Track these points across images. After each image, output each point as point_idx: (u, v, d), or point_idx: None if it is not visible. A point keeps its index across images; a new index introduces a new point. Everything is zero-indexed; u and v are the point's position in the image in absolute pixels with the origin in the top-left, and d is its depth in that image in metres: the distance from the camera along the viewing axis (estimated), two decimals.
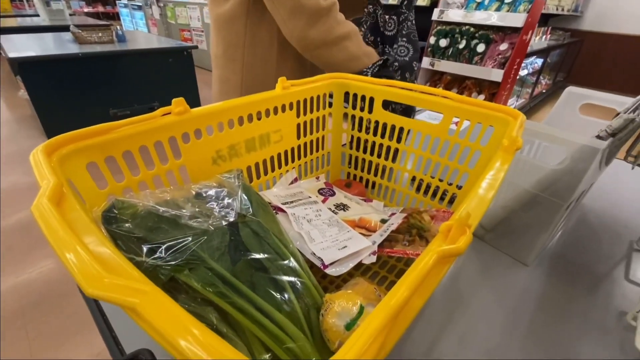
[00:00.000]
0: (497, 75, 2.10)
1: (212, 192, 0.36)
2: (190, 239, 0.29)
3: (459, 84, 2.47)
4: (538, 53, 3.07)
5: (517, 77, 2.55)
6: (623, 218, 0.62)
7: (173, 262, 0.27)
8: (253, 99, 0.45)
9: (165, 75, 2.46)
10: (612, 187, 0.70)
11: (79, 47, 2.19)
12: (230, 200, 0.35)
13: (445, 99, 0.49)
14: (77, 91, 2.16)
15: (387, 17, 0.68)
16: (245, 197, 0.36)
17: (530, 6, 1.92)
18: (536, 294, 0.46)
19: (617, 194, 0.70)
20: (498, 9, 2.02)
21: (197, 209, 0.33)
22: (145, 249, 0.27)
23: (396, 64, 0.64)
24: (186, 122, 0.37)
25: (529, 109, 3.45)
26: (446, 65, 2.31)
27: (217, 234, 0.30)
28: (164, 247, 0.28)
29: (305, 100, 0.54)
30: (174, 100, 0.36)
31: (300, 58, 0.70)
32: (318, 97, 0.56)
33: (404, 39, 0.67)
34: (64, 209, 0.20)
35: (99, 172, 0.32)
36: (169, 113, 0.37)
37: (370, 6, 0.70)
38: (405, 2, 0.65)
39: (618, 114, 0.45)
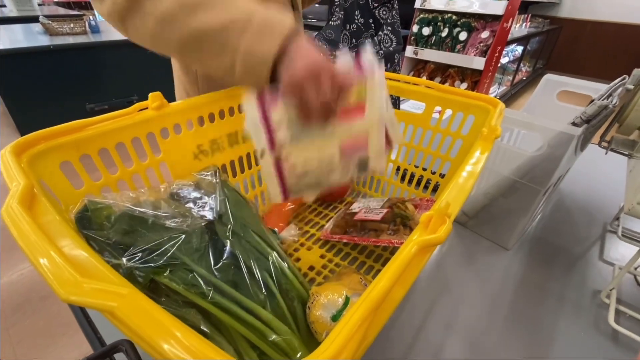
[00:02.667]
0: (479, 63, 2.12)
1: (189, 191, 0.35)
2: (168, 240, 0.29)
3: (442, 72, 2.49)
4: (518, 40, 3.12)
5: (499, 65, 2.58)
6: (598, 201, 0.65)
7: (152, 265, 0.27)
8: (234, 92, 0.44)
9: (144, 67, 2.38)
10: (587, 172, 0.73)
11: (50, 39, 2.09)
12: (208, 199, 0.35)
13: (427, 88, 0.49)
14: (51, 86, 2.06)
15: (380, 7, 0.66)
16: (224, 195, 0.35)
17: None
18: (516, 276, 0.47)
19: (592, 178, 0.72)
20: None
21: (174, 209, 0.32)
22: (122, 252, 0.27)
23: (381, 52, 0.64)
24: (164, 117, 0.36)
25: (510, 96, 3.52)
26: (429, 54, 2.31)
27: (195, 234, 0.29)
28: (141, 249, 0.27)
29: None
30: (150, 95, 0.35)
31: None
32: None
33: (389, 28, 0.66)
34: (36, 212, 0.20)
35: (76, 171, 0.31)
36: (146, 108, 0.35)
37: None
38: None
39: (592, 100, 0.46)
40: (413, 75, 2.62)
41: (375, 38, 0.68)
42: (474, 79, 2.31)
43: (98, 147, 0.31)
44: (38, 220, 0.19)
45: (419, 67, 2.60)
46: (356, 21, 0.67)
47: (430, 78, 2.52)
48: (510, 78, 3.51)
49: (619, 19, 4.52)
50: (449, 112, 0.48)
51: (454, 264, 0.49)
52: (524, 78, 4.00)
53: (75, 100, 2.18)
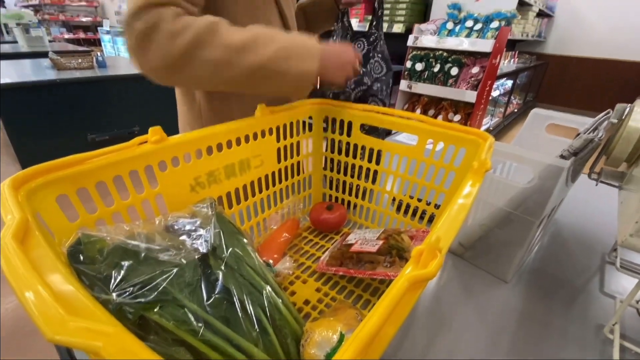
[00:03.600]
0: (470, 96, 2.20)
1: (184, 223, 0.35)
2: (160, 274, 0.28)
3: (436, 104, 2.57)
4: (508, 75, 3.26)
5: (490, 98, 2.67)
6: (595, 232, 0.65)
7: (142, 300, 0.26)
8: (232, 126, 0.46)
9: (147, 99, 2.45)
10: (583, 202, 0.74)
11: (57, 74, 2.16)
12: (202, 232, 0.34)
13: (420, 122, 0.51)
14: (54, 117, 2.11)
15: (356, 40, 0.69)
16: (218, 227, 0.35)
17: (497, 33, 2.05)
18: (516, 310, 0.46)
19: (587, 208, 0.73)
20: (468, 36, 2.15)
21: (168, 242, 0.32)
22: (112, 287, 0.26)
23: (378, 84, 0.66)
24: (163, 151, 0.37)
25: (503, 127, 3.61)
26: (423, 88, 2.40)
27: (188, 268, 0.29)
28: (131, 284, 0.27)
29: (285, 125, 0.55)
30: (150, 129, 0.36)
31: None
32: (298, 122, 0.57)
33: (379, 55, 0.69)
34: (28, 246, 0.20)
35: (71, 203, 0.31)
36: (146, 142, 0.36)
37: (337, 24, 0.70)
38: (375, 23, 0.68)
39: (579, 134, 0.48)
40: (407, 108, 2.71)
41: (368, 66, 0.70)
42: (467, 111, 2.39)
43: (96, 180, 0.32)
44: (29, 254, 0.19)
45: (413, 99, 2.69)
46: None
47: (425, 110, 2.60)
48: (502, 110, 3.62)
49: (600, 55, 4.76)
50: (441, 144, 0.49)
51: (453, 298, 0.48)
52: (516, 110, 4.13)
53: (76, 131, 2.22)
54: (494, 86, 3.04)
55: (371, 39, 0.67)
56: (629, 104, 0.46)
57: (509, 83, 3.47)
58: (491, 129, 3.18)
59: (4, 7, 9.83)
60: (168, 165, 0.39)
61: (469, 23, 2.16)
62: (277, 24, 0.62)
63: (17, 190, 0.26)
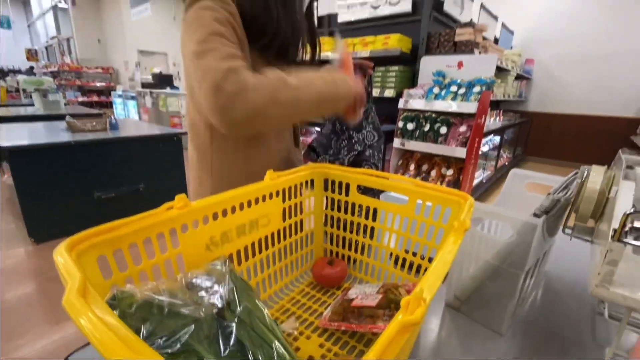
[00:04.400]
0: (461, 152, 2.33)
1: (201, 280, 0.39)
2: (182, 327, 0.32)
3: (429, 160, 2.71)
4: (495, 132, 3.47)
5: (480, 153, 2.83)
6: (583, 282, 0.68)
7: (169, 351, 0.30)
8: (246, 190, 0.52)
9: (154, 159, 2.57)
10: (571, 253, 0.78)
11: (72, 136, 2.31)
12: (218, 288, 0.39)
13: (409, 184, 0.58)
14: (63, 176, 2.20)
15: None
16: (232, 283, 0.40)
17: (479, 97, 2.26)
18: None
19: (576, 259, 0.77)
20: (453, 99, 2.36)
21: (188, 298, 0.36)
22: (142, 339, 0.30)
23: (370, 150, 0.74)
24: (187, 215, 0.43)
25: (496, 180, 3.74)
26: (415, 145, 2.56)
27: (207, 322, 0.33)
28: (158, 336, 0.30)
29: (290, 188, 0.61)
30: (177, 197, 0.42)
31: (266, 156, 0.76)
32: (301, 184, 0.64)
33: (371, 126, 0.78)
34: (89, 300, 0.24)
35: (103, 263, 0.36)
36: (172, 207, 0.42)
37: None
38: (367, 97, 0.79)
39: (549, 193, 0.54)
40: (402, 163, 2.84)
41: (359, 135, 0.79)
42: (459, 166, 2.51)
43: (130, 242, 0.37)
44: (91, 307, 0.23)
45: (407, 155, 2.83)
46: (337, 127, 0.80)
47: (418, 165, 2.73)
48: (494, 163, 3.78)
49: (580, 111, 5.10)
50: (430, 203, 0.55)
51: (452, 353, 0.50)
52: (506, 163, 4.30)
53: (83, 189, 2.30)
54: (483, 142, 3.23)
55: (364, 111, 0.77)
56: (591, 166, 0.54)
57: (497, 139, 3.67)
58: (484, 181, 3.30)
59: (21, 72, 10.64)
60: (189, 227, 0.44)
61: (454, 88, 2.38)
62: None
63: (71, 253, 0.31)
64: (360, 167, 0.71)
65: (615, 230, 0.35)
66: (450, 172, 2.54)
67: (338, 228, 0.68)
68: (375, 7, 2.94)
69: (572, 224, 0.54)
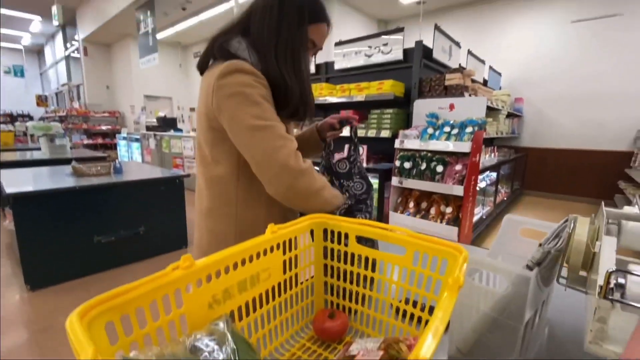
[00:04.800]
0: (458, 190, 2.37)
1: (204, 341, 0.40)
2: None
3: (428, 197, 2.73)
4: (491, 168, 3.54)
5: (478, 189, 2.87)
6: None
7: None
8: (248, 245, 0.54)
9: (156, 201, 2.60)
10: (570, 300, 0.77)
11: (76, 180, 2.35)
12: (220, 348, 0.39)
13: (406, 236, 0.60)
14: (65, 221, 2.21)
15: (339, 161, 0.85)
16: (233, 344, 0.40)
17: (472, 136, 2.34)
18: None
19: (576, 306, 0.76)
20: (447, 139, 2.44)
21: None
22: None
23: (360, 205, 0.78)
24: (191, 275, 0.44)
25: (496, 216, 3.74)
26: (413, 183, 2.60)
27: None
28: None
29: (290, 240, 0.63)
30: (183, 257, 0.44)
31: (283, 207, 0.82)
32: (301, 235, 0.66)
33: (358, 176, 0.82)
34: None
35: (110, 326, 0.37)
36: (178, 268, 0.44)
37: (323, 151, 0.89)
38: (353, 147, 0.84)
39: (540, 244, 0.56)
40: (401, 201, 2.87)
41: (352, 189, 0.83)
42: (457, 204, 2.53)
43: (137, 306, 0.38)
44: None
45: (405, 193, 2.87)
46: (331, 177, 0.85)
47: (417, 203, 2.75)
48: (492, 199, 3.80)
49: (572, 146, 5.23)
50: (427, 255, 0.57)
51: None
52: (505, 198, 4.32)
53: (83, 233, 2.30)
54: (481, 177, 3.28)
55: (351, 159, 0.82)
56: (576, 217, 0.56)
57: (494, 175, 3.73)
58: (484, 217, 3.30)
59: (31, 118, 11.01)
60: (193, 286, 0.45)
61: (447, 129, 2.47)
62: None
63: (82, 321, 0.32)
64: (354, 216, 0.73)
65: (601, 287, 0.37)
66: (449, 209, 2.55)
67: (338, 278, 0.68)
68: (369, 56, 3.15)
69: (566, 274, 0.56)
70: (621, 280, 0.36)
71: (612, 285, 0.36)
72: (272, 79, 0.73)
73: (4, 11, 8.16)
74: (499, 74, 5.25)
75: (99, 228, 2.36)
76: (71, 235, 2.24)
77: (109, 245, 2.37)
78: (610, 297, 0.36)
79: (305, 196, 0.72)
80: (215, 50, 0.75)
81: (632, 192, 3.78)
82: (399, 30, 2.92)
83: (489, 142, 4.50)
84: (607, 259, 0.39)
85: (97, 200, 2.33)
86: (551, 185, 5.39)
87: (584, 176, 5.09)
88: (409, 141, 2.59)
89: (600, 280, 0.37)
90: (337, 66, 3.47)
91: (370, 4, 6.61)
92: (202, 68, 0.79)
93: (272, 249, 0.59)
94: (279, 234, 0.60)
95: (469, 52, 3.93)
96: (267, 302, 0.59)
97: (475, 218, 3.00)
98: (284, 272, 0.62)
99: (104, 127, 9.01)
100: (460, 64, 3.55)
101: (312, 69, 3.71)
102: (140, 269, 2.53)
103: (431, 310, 0.57)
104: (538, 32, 5.39)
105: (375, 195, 2.91)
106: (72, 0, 7.96)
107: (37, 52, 13.06)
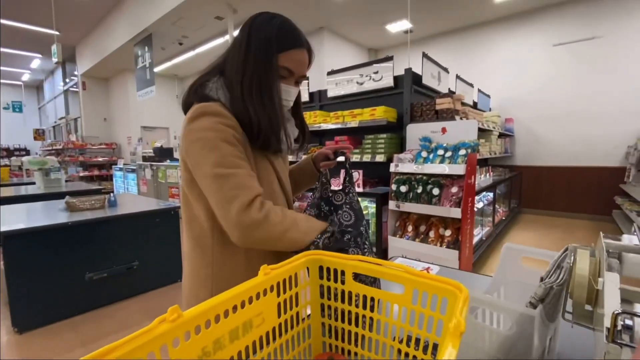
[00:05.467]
0: (456, 212, 2.36)
1: None
2: None
3: (426, 221, 2.71)
4: (487, 188, 3.55)
5: (476, 209, 2.85)
6: None
7: None
8: (240, 290, 0.51)
9: (150, 234, 2.56)
10: (578, 334, 0.74)
11: (69, 216, 2.32)
12: None
13: (404, 272, 0.58)
14: (56, 258, 2.15)
15: (335, 193, 0.84)
16: None
17: (466, 159, 2.36)
18: None
19: (585, 339, 0.73)
20: (441, 162, 2.46)
21: None
22: None
23: (348, 236, 0.76)
24: (179, 327, 0.42)
25: (496, 237, 3.70)
26: (410, 207, 2.58)
27: None
28: None
29: (284, 280, 0.61)
30: (169, 309, 0.42)
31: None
32: (296, 274, 0.64)
33: (347, 206, 0.81)
34: None
35: None
36: (164, 320, 0.42)
37: (318, 182, 0.87)
38: (348, 178, 0.83)
39: (542, 278, 0.54)
40: (400, 225, 2.84)
41: (335, 217, 0.81)
42: (456, 226, 2.51)
43: None
44: None
45: (403, 217, 2.85)
46: (323, 209, 0.83)
47: (416, 227, 2.72)
48: (491, 219, 3.78)
49: (564, 163, 5.29)
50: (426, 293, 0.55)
51: None
52: (504, 218, 4.31)
53: (75, 270, 2.24)
54: (478, 198, 3.28)
55: (346, 191, 0.81)
56: (576, 249, 0.55)
57: (490, 194, 3.74)
58: (484, 239, 3.27)
59: (28, 152, 11.04)
60: (180, 340, 0.43)
61: (440, 152, 2.50)
62: (278, 189, 0.82)
63: None
64: (346, 252, 0.72)
65: (608, 330, 0.35)
66: (448, 232, 2.53)
67: (336, 319, 0.66)
68: (360, 83, 3.23)
69: (570, 308, 0.54)
70: (629, 322, 0.35)
71: (619, 327, 0.35)
72: (238, 115, 0.72)
73: (6, 50, 8.40)
74: (488, 96, 5.39)
75: (91, 264, 2.29)
76: (62, 273, 2.18)
77: (101, 282, 2.30)
78: (619, 340, 0.34)
79: (267, 243, 0.69)
80: (191, 93, 0.75)
81: (629, 208, 3.78)
82: (389, 58, 3.03)
83: (484, 162, 4.55)
84: (612, 299, 0.37)
85: (90, 236, 2.28)
86: (549, 202, 5.40)
87: (580, 192, 5.12)
88: (404, 165, 2.61)
89: (607, 322, 0.35)
90: (330, 94, 3.55)
91: (360, 34, 6.89)
92: (186, 110, 0.78)
93: (265, 292, 0.56)
94: (272, 275, 0.58)
95: (457, 77, 4.06)
96: (262, 349, 0.56)
97: (475, 240, 2.96)
98: (279, 315, 0.59)
99: (100, 159, 9.03)
100: (449, 89, 3.65)
101: (306, 97, 3.80)
102: (134, 305, 2.44)
103: (435, 348, 0.54)
104: (521, 55, 5.61)
105: (373, 220, 2.89)
106: (72, 38, 8.24)
107: (36, 87, 13.33)
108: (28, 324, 2.09)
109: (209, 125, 0.67)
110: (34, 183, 4.35)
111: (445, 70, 3.58)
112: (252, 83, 0.72)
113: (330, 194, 0.84)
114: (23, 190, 3.92)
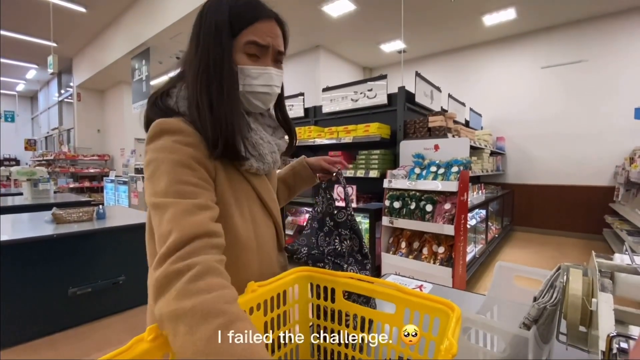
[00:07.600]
0: (449, 229, 2.35)
1: None
2: None
3: (419, 237, 2.70)
4: (479, 206, 3.57)
5: (469, 227, 2.85)
6: None
7: None
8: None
9: (138, 247, 2.48)
10: (572, 357, 0.73)
11: (55, 228, 2.25)
12: None
13: (395, 290, 0.56)
14: (39, 272, 2.08)
15: (339, 211, 0.82)
16: None
17: (458, 176, 2.38)
18: None
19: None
20: (434, 178, 2.47)
21: None
22: None
23: (330, 256, 0.74)
24: (158, 348, 0.40)
25: (489, 254, 3.69)
26: (403, 223, 2.58)
27: None
28: None
29: (272, 298, 0.59)
30: (148, 328, 0.40)
31: (243, 270, 0.66)
32: (285, 292, 0.62)
33: (348, 225, 0.80)
34: None
35: None
36: (142, 340, 0.39)
37: (319, 196, 0.82)
38: (345, 195, 0.82)
39: (535, 298, 0.53)
40: (393, 241, 2.82)
41: (344, 233, 0.80)
42: (449, 243, 2.50)
43: None
44: None
45: (397, 233, 2.83)
46: (328, 225, 0.81)
47: (409, 243, 2.71)
48: (484, 236, 3.79)
49: (555, 182, 5.37)
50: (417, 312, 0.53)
51: None
52: (497, 235, 4.31)
53: (57, 284, 2.15)
54: (471, 215, 3.29)
55: (347, 209, 0.81)
56: (568, 268, 0.54)
57: (483, 212, 3.75)
58: (477, 256, 3.25)
59: (17, 162, 10.88)
60: None
61: (433, 168, 2.52)
62: (261, 213, 0.71)
63: None
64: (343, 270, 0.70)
65: (603, 353, 0.34)
66: (441, 249, 2.51)
67: (325, 340, 0.63)
68: (355, 100, 3.28)
69: (564, 329, 0.52)
70: (624, 345, 0.34)
71: (614, 350, 0.34)
72: (196, 125, 0.61)
73: (2, 60, 8.40)
74: (479, 114, 5.51)
75: (75, 278, 2.21)
76: (44, 287, 2.10)
77: (85, 297, 2.22)
78: None
79: (177, 319, 0.42)
80: (151, 106, 0.65)
81: (619, 227, 3.82)
82: (383, 77, 3.09)
83: (476, 179, 4.60)
84: (606, 320, 0.37)
85: (76, 249, 2.22)
86: (540, 220, 5.44)
87: (572, 211, 5.17)
88: (397, 181, 2.61)
89: (602, 345, 0.34)
90: (325, 110, 3.59)
91: (355, 53, 7.06)
92: (147, 127, 0.65)
93: (251, 311, 0.54)
94: (259, 292, 0.56)
95: (450, 96, 4.15)
96: None
97: (469, 257, 2.95)
98: (265, 335, 0.57)
99: (92, 170, 8.92)
100: (442, 107, 3.72)
101: (301, 113, 3.84)
102: (119, 323, 2.35)
103: None
104: (512, 76, 5.78)
105: (367, 236, 2.87)
106: (69, 50, 8.28)
107: (30, 97, 13.27)
108: (5, 341, 1.99)
109: (164, 145, 0.57)
110: (21, 194, 4.26)
111: (438, 89, 3.66)
112: (203, 78, 0.62)
113: (335, 211, 0.82)
114: (10, 201, 3.83)
